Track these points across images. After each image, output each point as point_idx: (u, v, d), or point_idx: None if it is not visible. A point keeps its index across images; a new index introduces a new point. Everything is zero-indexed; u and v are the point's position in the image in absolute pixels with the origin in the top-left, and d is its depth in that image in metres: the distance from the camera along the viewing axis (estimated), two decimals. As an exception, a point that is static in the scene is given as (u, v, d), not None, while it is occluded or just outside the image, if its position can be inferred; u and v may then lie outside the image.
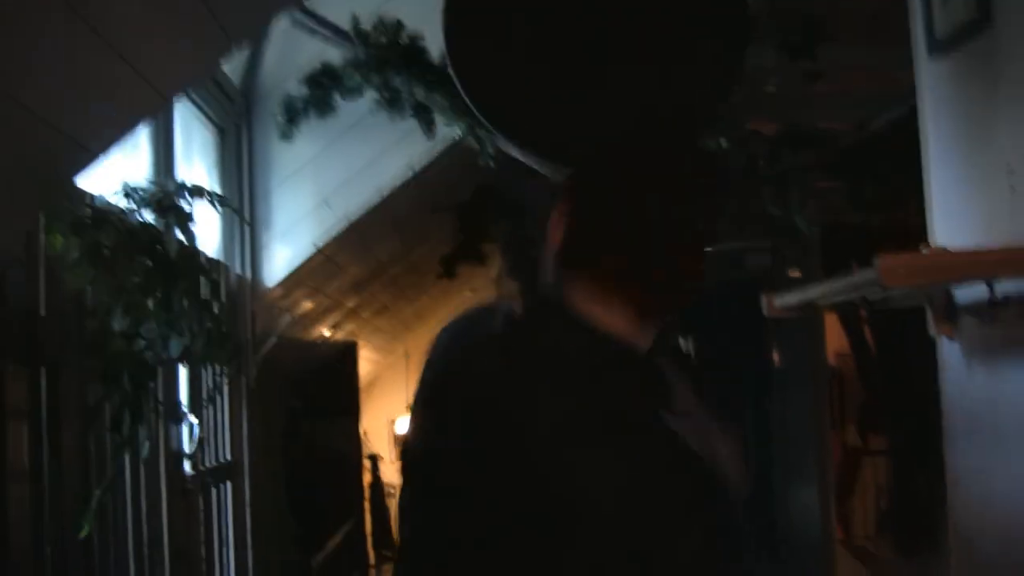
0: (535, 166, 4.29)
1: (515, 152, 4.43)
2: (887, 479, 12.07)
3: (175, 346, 3.44)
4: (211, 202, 3.72)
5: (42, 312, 3.20)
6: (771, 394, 9.25)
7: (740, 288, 8.70)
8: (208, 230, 5.07)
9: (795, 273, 6.19)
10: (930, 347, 3.13)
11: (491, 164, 5.23)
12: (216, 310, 3.72)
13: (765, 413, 9.25)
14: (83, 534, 3.35)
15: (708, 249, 2.08)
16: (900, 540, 11.02)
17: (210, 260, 4.76)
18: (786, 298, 3.53)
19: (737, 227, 8.38)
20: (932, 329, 3.04)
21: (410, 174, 5.73)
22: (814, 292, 3.29)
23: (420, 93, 4.89)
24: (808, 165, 6.14)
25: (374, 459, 12.78)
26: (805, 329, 9.10)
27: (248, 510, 5.89)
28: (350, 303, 8.48)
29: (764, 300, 3.75)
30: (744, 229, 8.48)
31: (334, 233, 5.87)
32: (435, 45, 5.16)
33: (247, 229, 5.76)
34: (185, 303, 3.44)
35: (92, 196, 3.51)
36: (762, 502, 9.27)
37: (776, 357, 9.30)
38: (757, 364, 9.29)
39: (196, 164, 5.36)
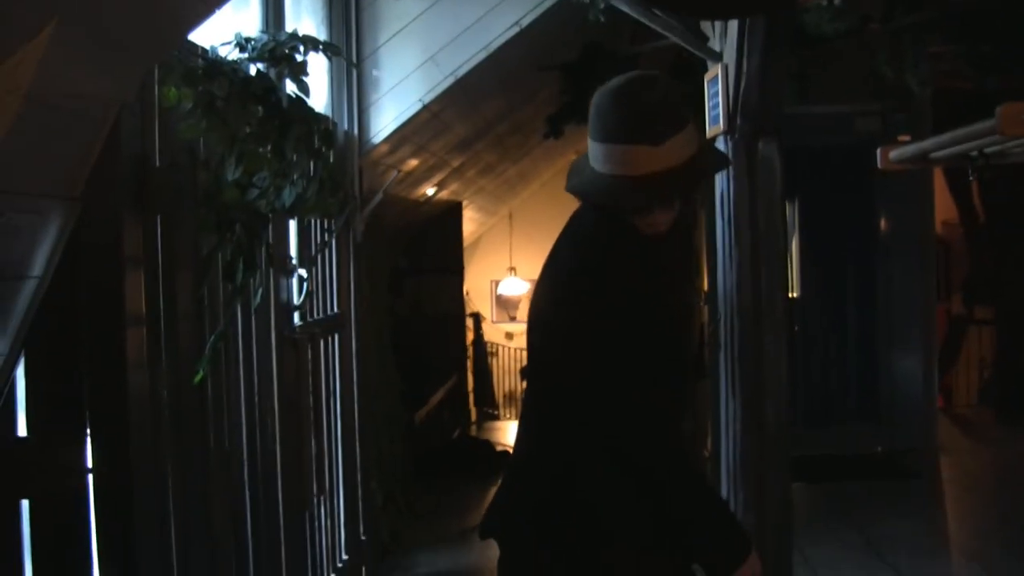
0: (651, 19, 4.23)
1: (627, 7, 4.37)
2: (991, 349, 11.96)
3: (287, 195, 3.49)
4: (323, 51, 3.73)
5: (156, 163, 3.26)
6: (877, 260, 9.14)
7: (849, 151, 8.59)
8: (317, 88, 5.08)
9: (905, 138, 6.06)
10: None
11: (600, 21, 5.16)
12: (329, 158, 3.76)
13: (871, 279, 9.16)
14: (197, 380, 3.44)
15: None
16: (1002, 409, 10.95)
17: (320, 115, 4.79)
18: (901, 151, 3.48)
19: (847, 89, 8.22)
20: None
21: (517, 31, 5.67)
22: (930, 143, 3.23)
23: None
24: (923, 24, 5.98)
25: (476, 317, 12.89)
26: (913, 195, 8.95)
27: (354, 363, 6.00)
28: (455, 162, 8.49)
29: (879, 153, 3.70)
30: (854, 91, 8.32)
31: (440, 90, 5.86)
32: None
33: (355, 87, 5.78)
34: (296, 154, 3.47)
35: (205, 48, 3.54)
36: (865, 368, 9.24)
37: (883, 223, 9.17)
38: (864, 229, 9.18)
39: (305, 21, 5.36)
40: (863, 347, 9.24)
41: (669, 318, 2.65)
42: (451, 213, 10.75)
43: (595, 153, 2.54)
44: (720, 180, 4.53)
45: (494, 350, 14.91)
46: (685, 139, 2.49)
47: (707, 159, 2.62)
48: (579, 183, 2.61)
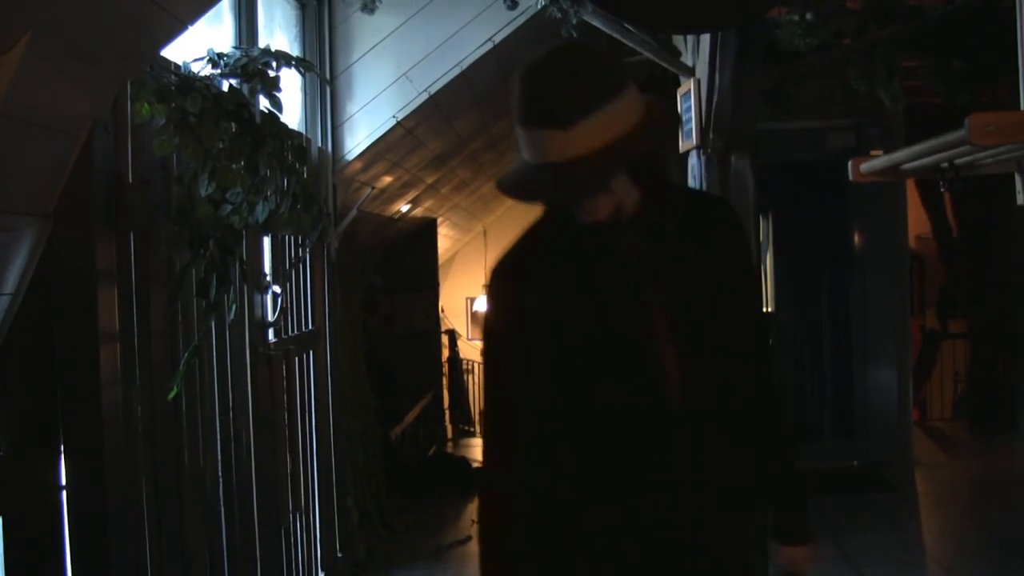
0: (624, 35, 4.24)
1: (599, 22, 4.39)
2: (965, 363, 12.02)
3: (260, 211, 3.49)
4: (296, 67, 3.74)
5: (129, 179, 3.26)
6: (852, 275, 9.19)
7: (822, 167, 8.64)
8: (290, 104, 5.09)
9: (878, 153, 6.10)
10: (1013, 228, 3.11)
11: (573, 36, 5.18)
12: (303, 174, 3.76)
13: (846, 294, 9.21)
14: (172, 396, 3.44)
15: None
16: (976, 422, 11.00)
17: (293, 131, 4.79)
18: (872, 163, 3.51)
19: (820, 105, 8.26)
20: (1021, 198, 3.00)
21: (490, 47, 5.69)
22: (901, 155, 3.26)
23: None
24: (895, 39, 6.02)
25: (452, 334, 12.87)
26: (887, 210, 9.00)
27: (329, 380, 6.00)
28: (429, 178, 8.50)
29: (851, 165, 3.73)
30: (828, 107, 8.36)
31: (414, 107, 5.88)
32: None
33: (329, 104, 5.78)
34: (269, 169, 3.47)
35: (178, 64, 3.54)
36: (841, 382, 9.28)
37: (857, 238, 9.22)
38: (838, 244, 9.22)
39: (278, 37, 5.36)
40: (838, 361, 9.27)
41: (557, 326, 2.34)
42: (426, 230, 10.75)
43: (519, 140, 2.28)
44: (695, 179, 4.55)
45: (470, 367, 14.89)
46: (609, 117, 2.17)
47: (644, 134, 2.23)
48: (504, 175, 2.37)
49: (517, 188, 2.31)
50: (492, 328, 2.48)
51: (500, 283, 2.48)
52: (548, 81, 2.19)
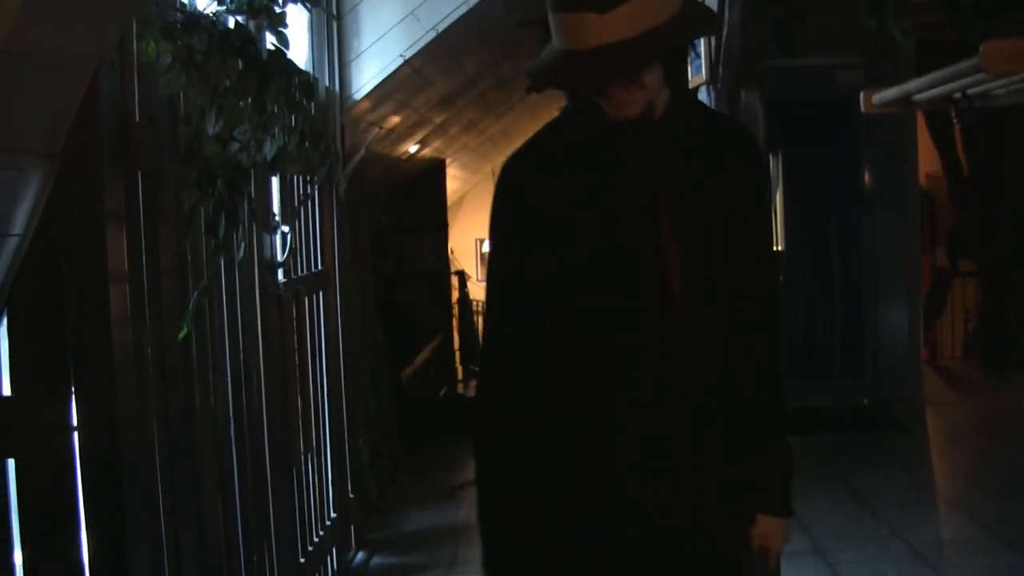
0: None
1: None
2: (975, 301, 12.00)
3: (268, 148, 3.46)
4: (302, 2, 3.70)
5: (136, 118, 3.23)
6: (862, 213, 9.15)
7: (832, 104, 8.58)
8: (297, 43, 5.05)
9: (889, 90, 6.01)
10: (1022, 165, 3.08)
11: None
12: (310, 111, 3.73)
13: (855, 232, 9.17)
14: (182, 336, 3.43)
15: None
16: (987, 361, 10.99)
17: (300, 68, 4.75)
18: (884, 94, 3.47)
19: (829, 42, 8.18)
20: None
21: (499, -16, 5.64)
22: (912, 85, 3.22)
23: None
24: (905, -27, 5.94)
25: (461, 276, 12.87)
26: (897, 148, 8.94)
27: (339, 320, 5.99)
28: (438, 119, 8.46)
29: (862, 96, 3.69)
30: (836, 44, 8.28)
31: (421, 45, 5.82)
32: None
33: (336, 42, 5.74)
34: (276, 106, 3.45)
35: (183, 2, 3.51)
36: (851, 321, 9.26)
37: (867, 176, 9.17)
38: (848, 183, 9.18)
39: (284, -25, 5.32)
40: (848, 300, 9.25)
41: (566, 226, 2.31)
42: (434, 171, 10.71)
43: (552, 27, 2.24)
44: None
45: (479, 308, 14.91)
46: (646, 4, 2.13)
47: (681, 26, 2.19)
48: (532, 63, 2.31)
49: (547, 75, 2.26)
50: (499, 225, 2.44)
51: (511, 177, 2.43)
52: None
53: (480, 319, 14.64)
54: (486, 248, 14.95)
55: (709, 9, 3.12)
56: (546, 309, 2.33)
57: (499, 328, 2.43)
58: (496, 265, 2.44)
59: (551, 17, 2.21)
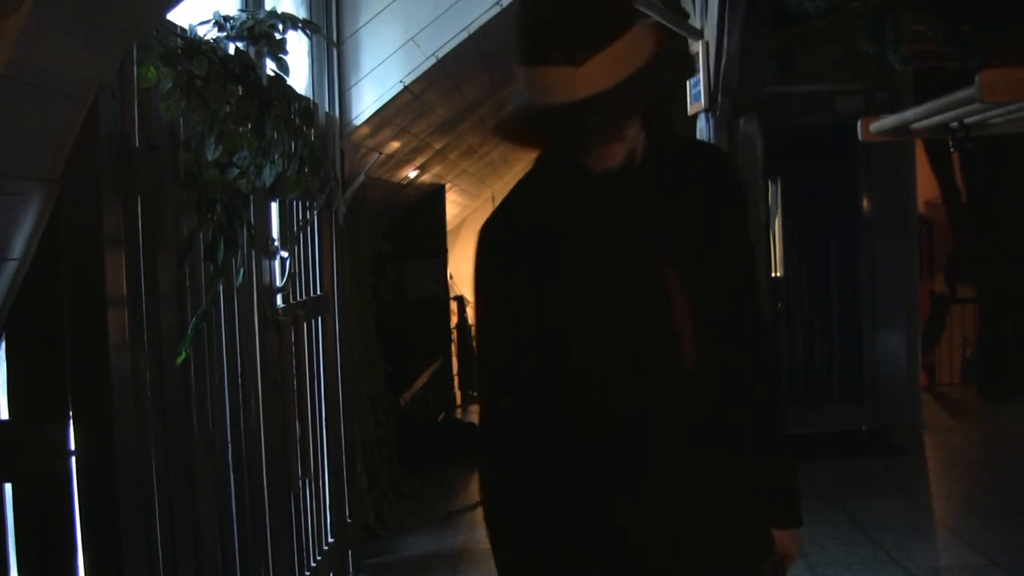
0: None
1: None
2: (974, 327, 12.02)
3: (268, 174, 3.48)
4: (302, 29, 3.72)
5: (136, 143, 3.25)
6: (861, 239, 9.18)
7: (831, 131, 8.61)
8: (297, 69, 5.07)
9: (888, 117, 6.06)
10: (1022, 192, 3.10)
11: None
12: (310, 136, 3.74)
13: (854, 258, 9.20)
14: (180, 360, 3.44)
15: None
16: (985, 386, 11.00)
17: (299, 94, 4.77)
18: (882, 123, 3.48)
19: (828, 69, 8.23)
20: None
21: (498, 9, 5.65)
22: (910, 114, 3.24)
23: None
24: (904, 1, 6.00)
25: (460, 300, 12.87)
26: (896, 175, 8.99)
27: (338, 345, 6.00)
28: (437, 144, 8.47)
29: (860, 124, 3.71)
30: (836, 71, 8.33)
31: (422, 71, 5.84)
32: None
33: (336, 68, 5.76)
34: (276, 132, 3.46)
35: (184, 28, 3.53)
36: (849, 347, 9.28)
37: (866, 203, 9.20)
38: (847, 209, 9.21)
39: (284, 2, 5.34)
40: (847, 326, 9.27)
41: (561, 284, 2.17)
42: (434, 196, 10.74)
43: (520, 79, 2.06)
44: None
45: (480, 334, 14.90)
46: (621, 52, 1.99)
47: (659, 72, 2.05)
48: (503, 117, 2.14)
49: (522, 133, 2.12)
50: (487, 292, 2.29)
51: (493, 241, 2.25)
52: (555, 12, 1.99)
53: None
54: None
55: (685, 47, 3.07)
56: (546, 369, 2.23)
57: (498, 394, 2.31)
58: (489, 330, 2.33)
59: (519, 70, 2.05)
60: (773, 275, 8.39)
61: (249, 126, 3.36)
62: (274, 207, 4.76)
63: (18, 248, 2.61)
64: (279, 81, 3.51)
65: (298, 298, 5.21)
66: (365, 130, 6.05)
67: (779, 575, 2.54)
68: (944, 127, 3.06)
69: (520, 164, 13.62)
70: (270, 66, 3.63)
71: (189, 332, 3.44)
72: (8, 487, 3.00)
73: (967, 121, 2.91)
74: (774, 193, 8.77)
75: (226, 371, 4.04)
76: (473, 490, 8.56)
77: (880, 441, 8.87)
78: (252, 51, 3.57)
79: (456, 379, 12.30)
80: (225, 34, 3.48)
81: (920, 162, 9.64)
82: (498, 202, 2.28)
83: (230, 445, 4.03)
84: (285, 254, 4.82)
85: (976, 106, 2.47)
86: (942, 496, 7.82)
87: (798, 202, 9.04)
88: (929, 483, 8.17)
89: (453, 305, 12.37)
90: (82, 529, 2.99)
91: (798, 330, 9.14)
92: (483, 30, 5.75)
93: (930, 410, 9.90)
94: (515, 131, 2.13)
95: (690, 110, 4.73)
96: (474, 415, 12.32)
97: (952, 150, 3.31)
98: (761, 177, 4.45)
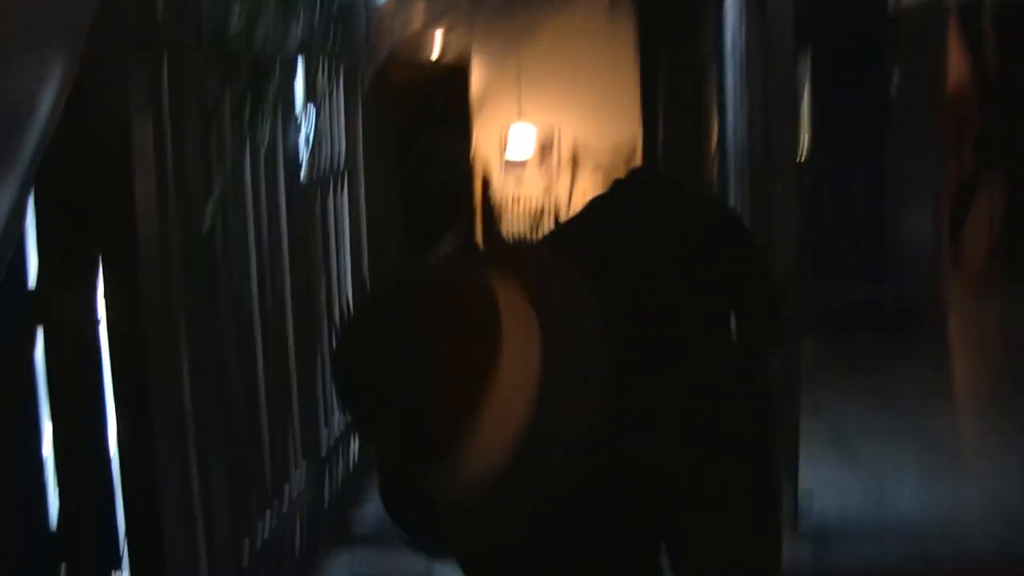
0: None
1: None
2: (1002, 207, 11.92)
3: (293, 37, 3.44)
4: None
5: (161, 3, 3.21)
6: (890, 112, 9.09)
7: (863, 4, 8.48)
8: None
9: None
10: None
11: None
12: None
13: (882, 131, 9.12)
14: (206, 227, 3.44)
15: None
16: (1010, 266, 10.94)
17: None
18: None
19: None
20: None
21: None
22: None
23: None
24: None
25: (484, 173, 12.83)
26: (927, 48, 8.85)
27: (363, 214, 5.99)
28: (463, 8, 8.37)
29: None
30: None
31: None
32: None
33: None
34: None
35: None
36: (875, 221, 9.24)
37: (896, 75, 9.10)
38: (876, 81, 9.11)
39: None
40: (873, 199, 9.22)
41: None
42: (459, 67, 10.64)
43: None
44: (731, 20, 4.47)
45: (503, 204, 14.89)
46: None
47: None
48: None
49: None
50: None
51: None
52: None
53: (505, 214, 14.59)
54: (509, 155, 14.92)
55: None
56: None
57: None
58: None
59: None
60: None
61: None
62: (299, 73, 4.72)
63: (43, 111, 2.59)
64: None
65: (323, 166, 5.19)
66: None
67: None
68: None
69: (549, 37, 13.48)
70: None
71: (215, 199, 3.43)
72: (39, 357, 3.04)
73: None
74: (803, 61, 8.66)
75: (252, 239, 4.04)
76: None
77: (903, 316, 8.86)
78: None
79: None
80: None
81: (952, 39, 9.50)
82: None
83: (257, 312, 4.05)
84: (310, 122, 4.79)
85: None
86: (965, 371, 7.85)
87: (827, 74, 8.94)
88: (952, 357, 8.19)
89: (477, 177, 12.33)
90: (115, 395, 3.03)
91: (823, 201, 9.09)
92: None
93: (955, 286, 9.87)
94: None
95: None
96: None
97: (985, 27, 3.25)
98: (791, 42, 4.37)
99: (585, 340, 1.70)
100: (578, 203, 16.29)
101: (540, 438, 1.62)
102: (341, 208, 5.64)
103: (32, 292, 3.01)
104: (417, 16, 6.91)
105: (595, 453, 1.66)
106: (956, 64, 10.27)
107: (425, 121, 9.50)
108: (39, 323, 3.00)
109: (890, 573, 4.51)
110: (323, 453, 4.97)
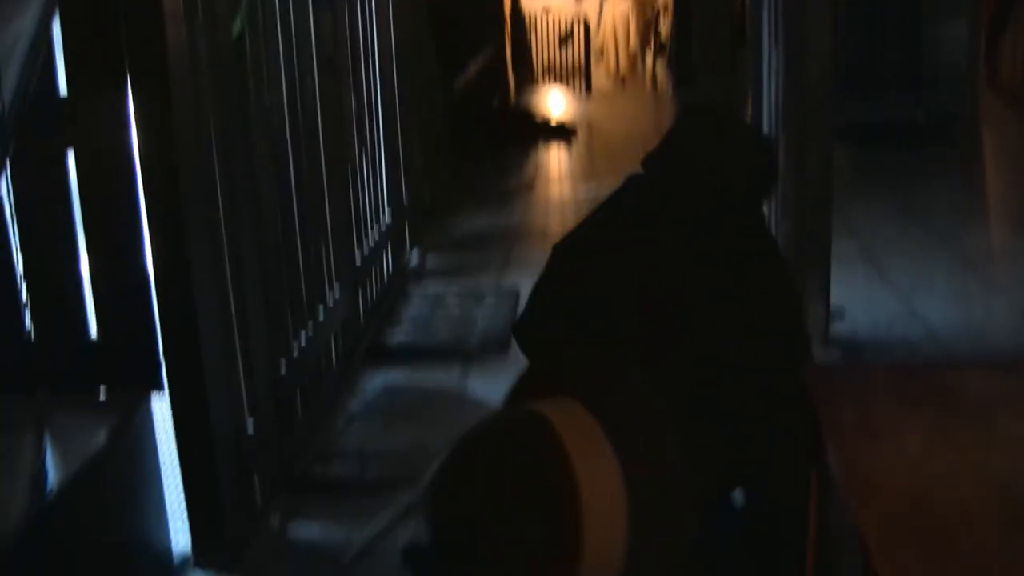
0: None
1: None
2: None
3: None
4: None
5: None
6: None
7: None
8: None
9: None
10: None
11: None
12: None
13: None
14: (236, 33, 3.41)
15: None
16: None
17: None
18: None
19: None
20: None
21: None
22: None
23: None
24: None
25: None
26: None
27: (392, 23, 5.93)
28: None
29: None
30: None
31: None
32: None
33: None
34: None
35: None
36: (910, 36, 9.10)
37: None
38: None
39: None
40: (908, 14, 9.05)
41: None
42: None
43: None
44: None
45: (533, 23, 14.72)
46: None
47: None
48: None
49: None
50: None
51: None
52: None
53: (532, 35, 14.41)
54: None
55: None
56: None
57: None
58: None
59: None
60: None
61: None
62: None
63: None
64: None
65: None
66: None
67: None
68: None
69: None
70: None
71: (244, 4, 3.39)
72: (72, 163, 3.05)
73: None
74: None
75: (281, 45, 4.00)
76: (527, 173, 8.63)
77: (936, 131, 8.78)
78: None
79: (509, 66, 12.20)
80: None
81: None
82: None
83: (287, 118, 4.03)
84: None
85: None
86: (995, 187, 7.80)
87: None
88: (983, 174, 8.13)
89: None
90: (146, 200, 3.04)
91: (858, 16, 8.93)
92: None
93: (989, 103, 9.74)
94: None
95: None
96: (528, 103, 12.29)
97: None
98: None
99: (665, 461, 1.86)
100: (608, 20, 16.10)
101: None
102: (370, 17, 5.56)
103: (62, 100, 3.00)
104: None
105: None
106: None
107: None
108: (70, 139, 3.00)
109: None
110: (357, 271, 4.99)
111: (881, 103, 8.96)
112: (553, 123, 10.80)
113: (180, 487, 3.28)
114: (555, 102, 13.24)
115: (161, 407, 3.22)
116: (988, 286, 5.50)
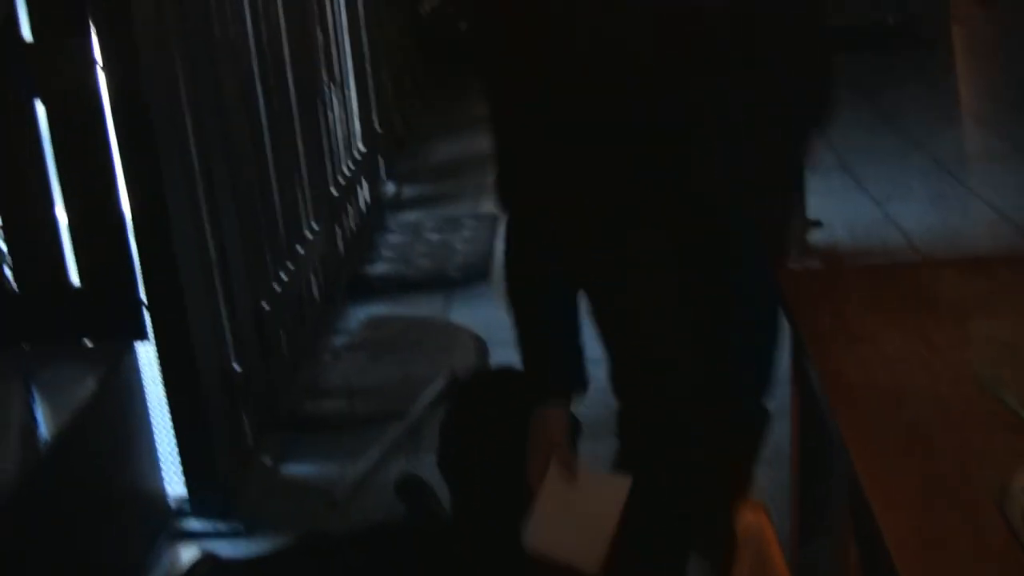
0: None
1: None
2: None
3: None
4: None
5: None
6: None
7: None
8: None
9: None
10: None
11: None
12: None
13: None
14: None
15: None
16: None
17: None
18: None
19: None
20: None
21: None
22: None
23: None
24: None
25: None
26: None
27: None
28: None
29: None
30: None
31: None
32: None
33: None
34: None
35: None
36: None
37: None
38: None
39: None
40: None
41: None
42: None
43: None
44: None
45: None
46: None
47: None
48: None
49: None
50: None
51: None
52: None
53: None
54: None
55: None
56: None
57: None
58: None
59: None
60: None
61: None
62: None
63: None
64: None
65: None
66: None
67: None
68: None
69: None
70: None
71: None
72: (41, 109, 3.02)
73: None
74: None
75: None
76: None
77: (907, 33, 8.75)
78: None
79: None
80: None
81: None
82: None
83: (254, 52, 3.99)
84: None
85: None
86: (968, 86, 7.80)
87: None
88: (956, 74, 8.13)
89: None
90: (118, 142, 3.02)
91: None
92: None
93: (958, 1, 9.71)
94: None
95: None
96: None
97: None
98: None
99: None
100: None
101: None
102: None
103: (28, 45, 2.98)
104: None
105: None
106: None
107: None
108: (38, 84, 2.98)
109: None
110: (333, 205, 4.97)
111: (849, 5, 8.91)
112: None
113: (171, 433, 3.29)
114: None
115: (147, 353, 3.23)
116: (963, 190, 5.52)
